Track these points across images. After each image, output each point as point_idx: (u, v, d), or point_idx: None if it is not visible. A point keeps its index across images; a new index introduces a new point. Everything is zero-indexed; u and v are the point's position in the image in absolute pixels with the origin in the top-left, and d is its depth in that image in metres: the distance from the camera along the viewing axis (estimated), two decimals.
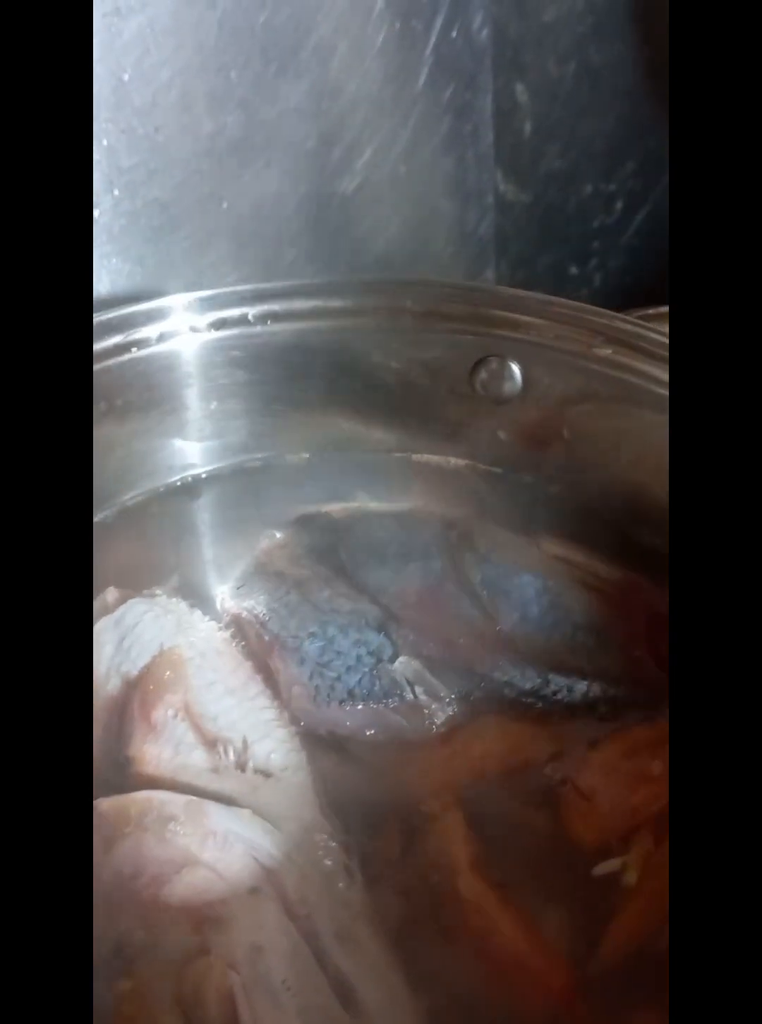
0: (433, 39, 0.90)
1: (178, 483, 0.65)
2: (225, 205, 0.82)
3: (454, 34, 0.91)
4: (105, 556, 0.59)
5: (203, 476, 0.66)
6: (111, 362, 0.57)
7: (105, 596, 0.56)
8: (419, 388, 0.65)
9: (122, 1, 0.71)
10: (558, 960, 0.42)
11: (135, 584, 0.57)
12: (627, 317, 0.55)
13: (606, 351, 0.55)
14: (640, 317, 0.56)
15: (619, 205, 1.07)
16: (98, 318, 0.57)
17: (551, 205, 1.05)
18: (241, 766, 0.47)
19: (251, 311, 0.60)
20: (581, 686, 0.51)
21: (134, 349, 0.58)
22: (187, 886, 0.42)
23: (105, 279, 0.78)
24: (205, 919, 0.41)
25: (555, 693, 0.51)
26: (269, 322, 0.60)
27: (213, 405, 0.64)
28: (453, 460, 0.67)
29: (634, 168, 1.04)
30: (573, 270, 1.10)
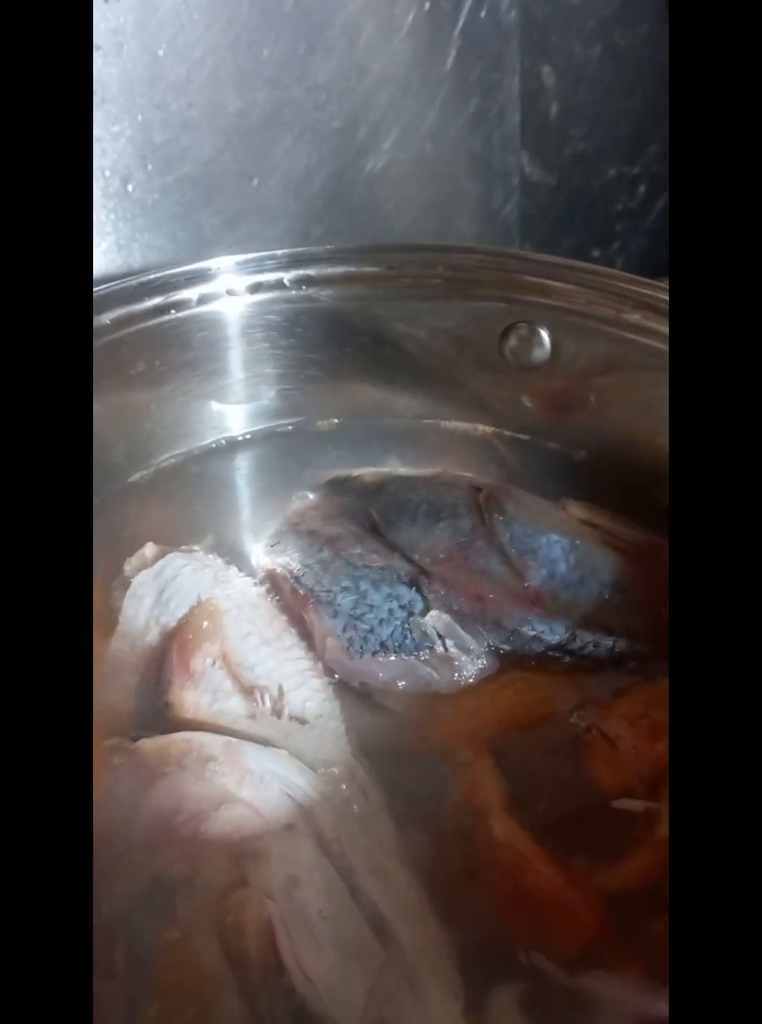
0: (461, 20, 0.90)
1: (213, 445, 0.67)
2: (254, 182, 0.83)
3: (482, 14, 0.92)
4: (143, 514, 0.61)
5: (238, 439, 0.67)
6: (151, 323, 0.59)
7: (144, 551, 0.57)
8: (448, 355, 0.66)
9: None
10: (590, 894, 0.43)
11: (172, 541, 0.59)
12: (657, 283, 0.56)
13: (635, 316, 0.56)
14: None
15: (642, 188, 1.08)
16: (139, 279, 0.58)
17: (575, 187, 1.05)
18: (277, 713, 0.48)
19: (287, 276, 0.61)
20: (607, 642, 0.52)
21: (173, 311, 0.59)
22: (226, 822, 0.43)
23: (137, 253, 0.79)
24: (243, 853, 0.42)
25: (582, 648, 0.52)
26: (304, 287, 0.61)
27: (249, 369, 0.65)
28: (481, 427, 0.68)
29: (658, 151, 1.04)
30: (595, 253, 1.11)
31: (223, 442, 0.67)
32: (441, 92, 0.92)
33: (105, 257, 0.78)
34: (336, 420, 0.69)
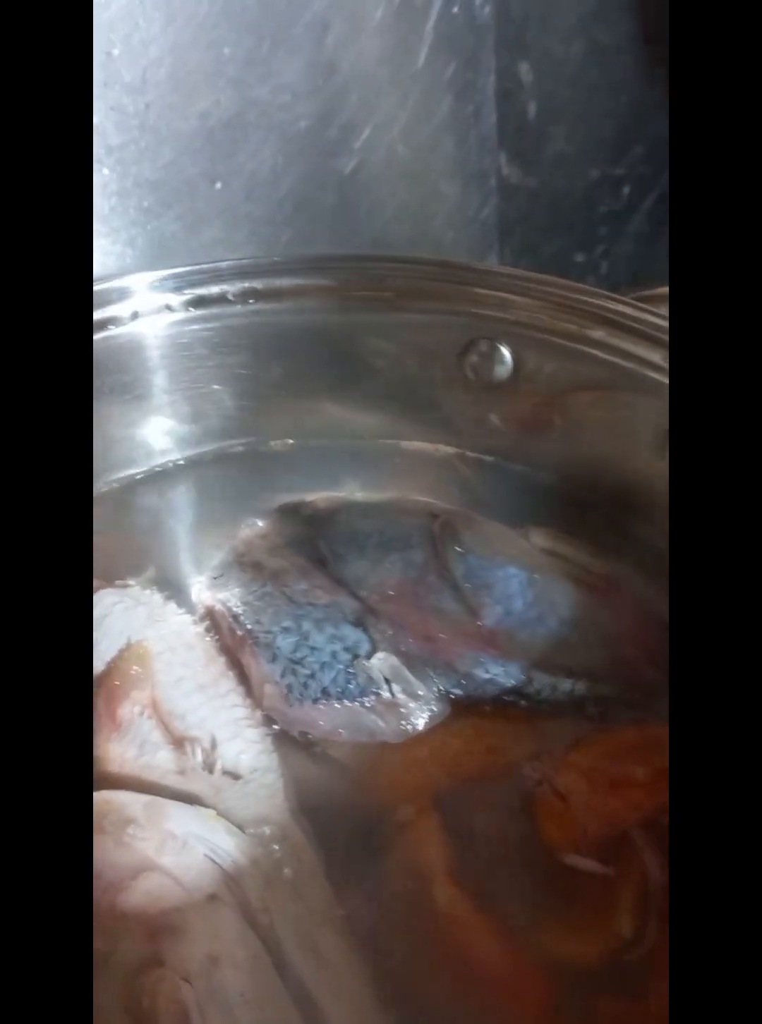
0: (433, 16, 0.87)
1: (157, 469, 0.63)
2: (218, 185, 0.80)
3: (455, 10, 0.89)
4: None
5: (181, 462, 0.64)
6: None
7: None
8: (407, 372, 0.63)
9: None
10: (537, 976, 0.39)
11: (109, 574, 0.55)
12: (622, 297, 0.52)
13: (598, 333, 0.53)
14: (637, 298, 0.54)
15: (627, 190, 1.05)
16: None
17: (557, 189, 1.02)
18: (209, 767, 0.45)
19: (231, 289, 0.57)
20: (566, 684, 0.49)
21: (109, 327, 0.56)
22: (143, 893, 0.40)
23: (97, 260, 0.76)
24: (161, 928, 0.39)
25: (539, 691, 0.49)
26: (250, 301, 0.58)
27: (192, 388, 0.62)
28: (442, 447, 0.65)
29: (643, 152, 1.01)
30: (579, 257, 1.08)
31: (170, 465, 0.64)
32: (413, 91, 0.89)
33: None
34: (291, 440, 0.65)
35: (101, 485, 0.61)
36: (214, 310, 0.58)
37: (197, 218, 0.80)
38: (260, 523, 0.59)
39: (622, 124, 0.99)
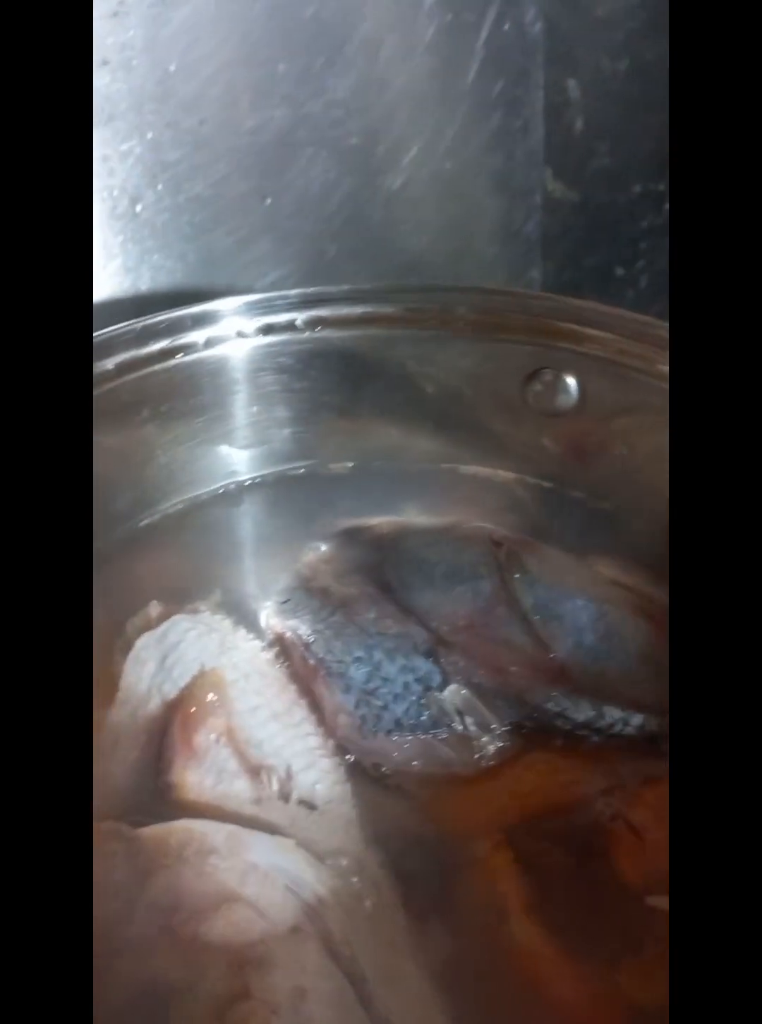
0: (484, 33, 0.88)
1: (222, 490, 0.64)
2: (268, 201, 0.80)
3: (506, 27, 0.89)
4: (148, 563, 0.59)
5: (246, 484, 0.64)
6: (157, 367, 0.56)
7: (149, 611, 0.54)
8: (468, 399, 0.63)
9: None
10: (615, 1016, 0.40)
11: (177, 597, 0.56)
12: None
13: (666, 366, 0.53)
14: None
15: (667, 206, 1.05)
16: (144, 322, 0.56)
17: (599, 204, 1.03)
18: (285, 796, 0.46)
19: (300, 317, 0.58)
20: (637, 719, 0.49)
21: (181, 355, 0.56)
22: (227, 924, 0.40)
23: (146, 276, 0.77)
24: (246, 960, 0.39)
25: (610, 726, 0.49)
26: (319, 328, 0.58)
27: (258, 412, 0.62)
28: (501, 473, 0.65)
29: None
30: (620, 271, 1.08)
31: (232, 487, 0.65)
32: (462, 108, 0.89)
33: (113, 279, 0.76)
34: (350, 464, 0.66)
35: (169, 506, 0.61)
36: (283, 337, 0.59)
37: (247, 233, 0.80)
38: (324, 547, 0.59)
39: (665, 140, 0.99)
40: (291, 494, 0.65)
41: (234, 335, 0.58)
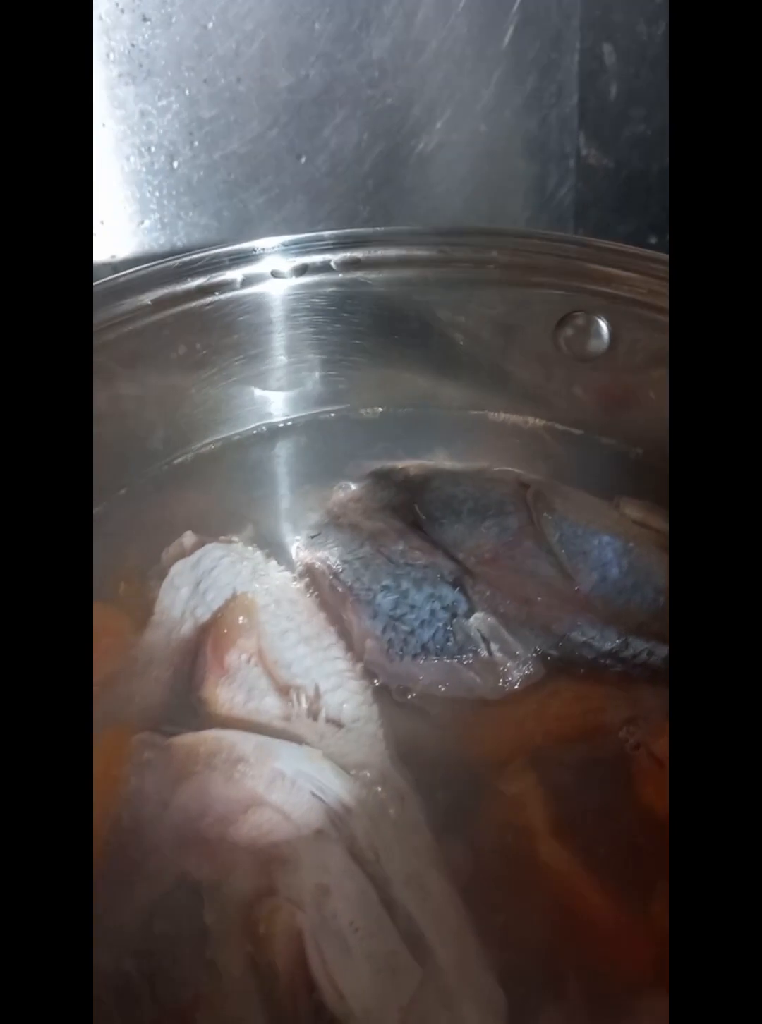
0: None
1: (254, 431, 0.65)
2: (302, 160, 0.81)
3: None
4: (182, 500, 0.60)
5: (279, 425, 0.65)
6: (193, 304, 0.57)
7: (183, 540, 0.55)
8: (498, 345, 0.64)
9: None
10: (641, 933, 0.40)
11: (211, 530, 0.57)
12: None
13: None
14: None
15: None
16: (181, 259, 0.57)
17: (633, 171, 1.02)
18: (313, 714, 0.47)
19: (335, 258, 0.59)
20: (662, 651, 0.50)
21: (217, 292, 0.57)
22: (253, 826, 0.41)
23: (182, 232, 0.78)
24: (272, 859, 0.41)
25: (635, 656, 0.50)
26: (352, 270, 0.59)
27: (292, 354, 0.63)
28: (531, 420, 0.65)
29: None
30: (652, 238, 1.08)
31: (264, 428, 0.66)
32: (497, 71, 0.89)
33: (149, 235, 0.77)
34: (381, 409, 0.67)
35: (203, 444, 0.63)
36: (318, 277, 0.59)
37: (281, 192, 0.81)
38: (353, 486, 0.60)
39: None
40: (323, 437, 0.66)
41: (269, 275, 0.59)
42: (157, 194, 0.76)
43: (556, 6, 0.91)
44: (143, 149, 0.74)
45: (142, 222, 0.76)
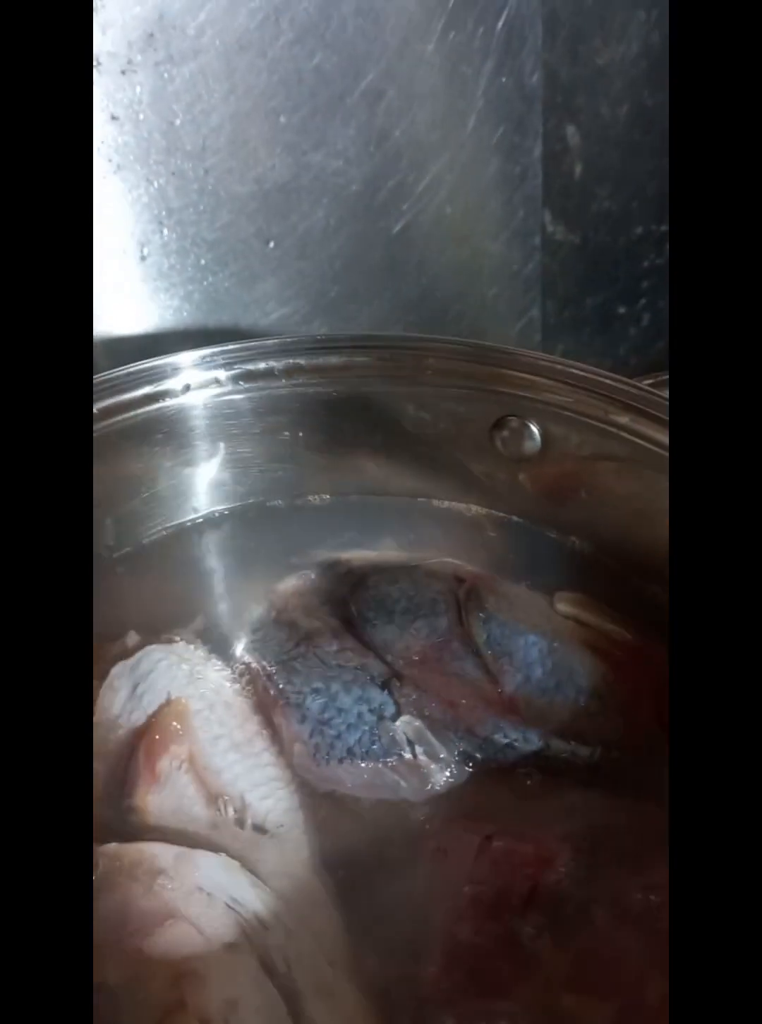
0: (483, 84, 0.90)
1: (202, 520, 0.67)
2: (271, 244, 0.84)
3: (504, 79, 0.91)
4: (128, 595, 0.62)
5: (225, 513, 0.67)
6: (139, 411, 0.59)
7: (126, 640, 0.57)
8: (446, 435, 0.65)
9: (175, 49, 0.73)
10: None
11: (157, 626, 0.59)
12: (641, 384, 0.55)
13: (624, 418, 0.55)
14: (660, 382, 0.56)
15: (669, 246, 1.06)
16: (127, 369, 0.59)
17: (600, 245, 1.05)
18: (240, 823, 0.48)
19: (277, 365, 0.61)
20: (583, 751, 0.51)
21: (164, 399, 0.60)
22: (168, 940, 0.43)
23: (154, 314, 0.81)
24: (183, 973, 0.42)
25: (556, 757, 0.51)
26: (295, 376, 0.61)
27: (237, 450, 0.65)
28: (473, 507, 0.67)
29: None
30: (621, 310, 1.10)
31: (213, 515, 0.68)
32: (462, 155, 0.92)
33: (122, 318, 0.79)
34: (328, 496, 0.69)
35: (151, 532, 0.65)
36: (260, 383, 0.62)
37: (251, 275, 0.83)
38: (296, 580, 0.62)
39: (666, 183, 1.01)
40: (270, 525, 0.68)
41: (213, 382, 0.61)
42: (130, 278, 0.79)
43: (518, 93, 0.93)
44: (114, 238, 0.77)
45: (115, 306, 0.79)
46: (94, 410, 0.56)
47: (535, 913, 0.43)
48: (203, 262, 0.82)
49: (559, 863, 0.44)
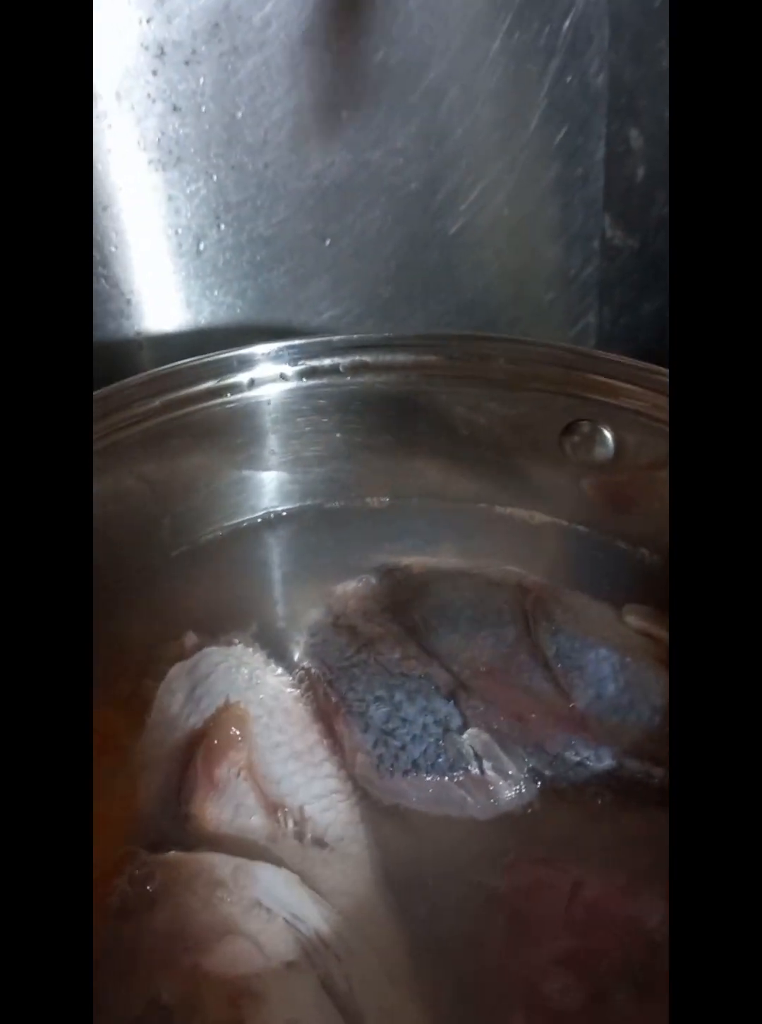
0: (547, 83, 0.89)
1: (260, 520, 0.66)
2: (326, 242, 0.82)
3: (569, 79, 0.90)
4: (185, 595, 0.60)
5: (284, 515, 0.66)
6: (203, 406, 0.58)
7: (184, 641, 0.56)
8: (506, 443, 0.64)
9: (240, 40, 0.72)
10: None
11: (213, 627, 0.57)
12: None
13: None
14: None
15: None
16: (192, 362, 0.58)
17: (659, 251, 1.03)
18: (299, 836, 0.46)
19: (343, 361, 0.60)
20: (658, 773, 0.49)
21: (228, 394, 0.58)
22: (225, 956, 0.41)
23: (207, 310, 0.80)
24: (242, 992, 0.40)
25: (630, 777, 0.49)
26: (360, 374, 0.60)
27: (298, 448, 0.64)
28: (537, 515, 0.65)
29: None
30: None
31: (272, 516, 0.67)
32: (522, 156, 0.90)
33: (174, 314, 0.79)
34: (388, 499, 0.67)
35: (208, 533, 0.63)
36: (324, 380, 0.60)
37: (305, 273, 0.82)
38: (355, 584, 0.60)
39: None
40: (329, 527, 0.66)
41: (277, 377, 0.60)
42: (183, 274, 0.78)
43: (582, 94, 0.92)
44: (171, 232, 0.76)
45: (168, 300, 0.78)
46: (156, 403, 0.55)
47: (628, 979, 0.41)
48: (258, 258, 0.81)
49: (654, 920, 0.42)
